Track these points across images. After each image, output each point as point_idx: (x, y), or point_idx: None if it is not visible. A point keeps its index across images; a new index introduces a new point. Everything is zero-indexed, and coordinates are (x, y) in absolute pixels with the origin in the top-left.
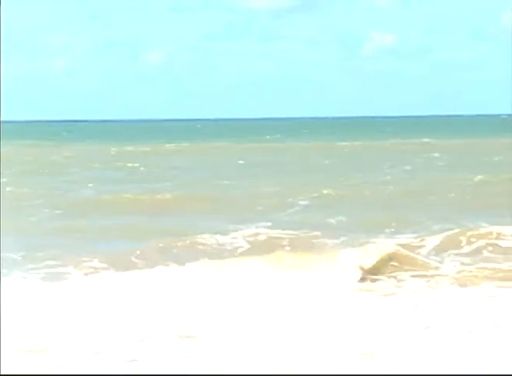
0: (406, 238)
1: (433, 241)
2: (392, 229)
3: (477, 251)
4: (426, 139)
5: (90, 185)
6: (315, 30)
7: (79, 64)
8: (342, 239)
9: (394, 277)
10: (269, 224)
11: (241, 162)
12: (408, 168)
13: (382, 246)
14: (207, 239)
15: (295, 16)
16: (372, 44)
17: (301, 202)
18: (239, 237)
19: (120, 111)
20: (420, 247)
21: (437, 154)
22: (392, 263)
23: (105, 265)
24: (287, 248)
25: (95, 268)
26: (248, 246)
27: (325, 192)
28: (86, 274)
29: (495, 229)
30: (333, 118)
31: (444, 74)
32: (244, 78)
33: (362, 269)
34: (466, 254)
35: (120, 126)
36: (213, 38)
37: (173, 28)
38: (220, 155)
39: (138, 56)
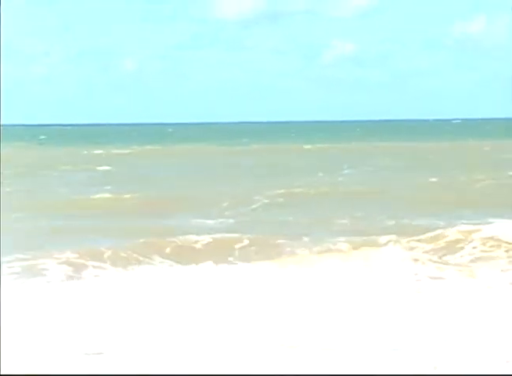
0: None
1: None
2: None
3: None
4: (382, 143)
5: (59, 187)
6: (278, 40)
7: (56, 72)
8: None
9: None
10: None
11: (213, 164)
12: (368, 168)
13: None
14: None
15: (260, 26)
16: (333, 52)
17: (264, 200)
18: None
19: (94, 116)
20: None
21: (389, 158)
22: None
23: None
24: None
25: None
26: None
27: (294, 190)
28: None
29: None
30: (297, 122)
31: (402, 81)
32: (212, 85)
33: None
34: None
35: (94, 130)
36: (182, 48)
37: (144, 38)
38: (189, 157)
39: (111, 65)
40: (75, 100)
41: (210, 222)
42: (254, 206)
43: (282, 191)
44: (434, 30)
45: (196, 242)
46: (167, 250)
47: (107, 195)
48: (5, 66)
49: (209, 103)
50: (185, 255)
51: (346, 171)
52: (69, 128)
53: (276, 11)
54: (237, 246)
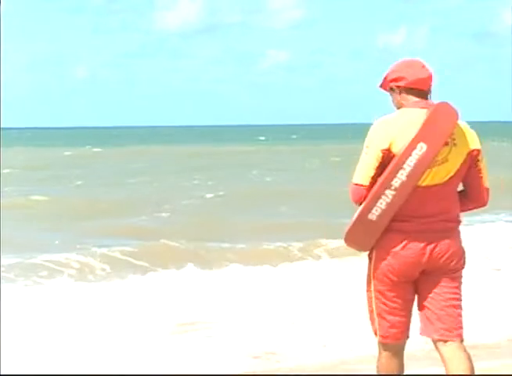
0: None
1: None
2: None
3: None
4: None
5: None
6: (217, 49)
7: (13, 78)
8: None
9: None
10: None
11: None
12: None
13: None
14: None
15: (199, 37)
16: (268, 61)
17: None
18: None
19: (51, 119)
20: None
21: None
22: None
23: None
24: None
25: None
26: None
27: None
28: None
29: None
30: (235, 126)
31: (330, 87)
32: (157, 90)
33: None
34: None
35: (48, 133)
36: (130, 56)
37: (95, 47)
38: (132, 159)
39: (65, 72)
40: (31, 105)
41: None
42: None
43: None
44: (360, 42)
45: None
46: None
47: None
48: None
49: (153, 106)
50: None
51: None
52: (26, 131)
53: (214, 23)
54: None
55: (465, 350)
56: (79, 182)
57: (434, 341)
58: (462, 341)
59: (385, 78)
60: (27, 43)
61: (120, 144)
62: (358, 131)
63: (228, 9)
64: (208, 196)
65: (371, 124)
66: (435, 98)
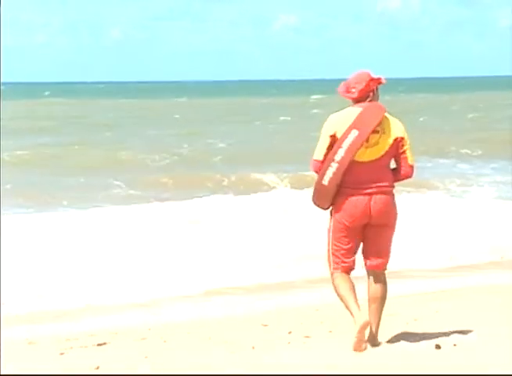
0: None
1: None
2: None
3: None
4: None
5: None
6: (235, 13)
7: (54, 39)
8: None
9: None
10: None
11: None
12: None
13: None
14: None
15: (220, 2)
16: (279, 23)
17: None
18: None
19: (87, 75)
20: None
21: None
22: None
23: None
24: None
25: None
26: None
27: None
28: None
29: None
30: (251, 81)
31: (334, 48)
32: (182, 51)
33: None
34: None
35: (85, 86)
36: (158, 19)
37: (127, 11)
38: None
39: (101, 33)
40: (71, 63)
41: None
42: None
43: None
44: (361, 6)
45: None
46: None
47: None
48: (10, 35)
49: (179, 64)
50: None
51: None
52: (67, 85)
53: None
54: None
55: (384, 280)
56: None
57: (367, 270)
58: (384, 270)
59: (346, 88)
60: (67, 7)
61: (154, 97)
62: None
63: None
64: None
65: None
66: (429, 52)
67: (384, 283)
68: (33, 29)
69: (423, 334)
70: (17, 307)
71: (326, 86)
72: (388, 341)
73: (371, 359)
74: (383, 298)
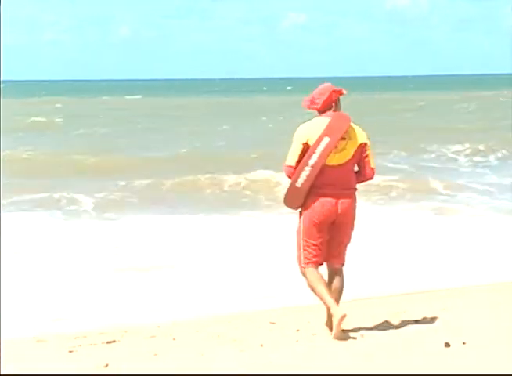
0: None
1: None
2: None
3: None
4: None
5: None
6: (243, 11)
7: (63, 37)
8: None
9: None
10: None
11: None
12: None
13: None
14: None
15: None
16: (288, 22)
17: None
18: None
19: (96, 73)
20: None
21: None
22: None
23: None
24: None
25: None
26: None
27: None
28: None
29: None
30: (255, 79)
31: (342, 46)
32: (188, 48)
33: None
34: None
35: (93, 84)
36: (167, 17)
37: (136, 9)
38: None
39: (110, 31)
40: (80, 61)
41: None
42: None
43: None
44: (370, 4)
45: None
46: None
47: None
48: (19, 32)
49: (186, 62)
50: None
51: None
52: (76, 83)
53: None
54: None
55: (342, 272)
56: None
57: (327, 264)
58: (343, 265)
59: (310, 101)
60: (75, 5)
61: (161, 94)
62: (364, 85)
63: None
64: None
65: (376, 77)
66: (438, 50)
67: (342, 276)
68: (41, 27)
69: (432, 331)
70: (26, 306)
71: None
72: (396, 340)
73: (379, 358)
74: (341, 289)
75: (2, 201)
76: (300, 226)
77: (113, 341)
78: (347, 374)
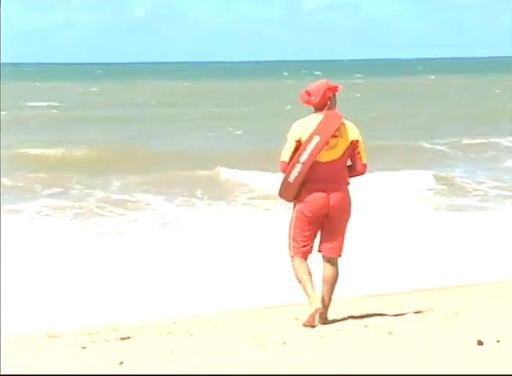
0: None
1: None
2: None
3: None
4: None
5: None
6: None
7: (76, 17)
8: None
9: None
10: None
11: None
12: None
13: None
14: None
15: None
16: (312, 1)
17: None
18: None
19: (110, 55)
20: None
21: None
22: None
23: None
24: None
25: None
26: None
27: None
28: None
29: None
30: (276, 61)
31: (369, 26)
32: (209, 30)
33: None
34: None
35: (106, 67)
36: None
37: None
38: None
39: (125, 11)
40: (93, 42)
41: None
42: None
43: None
44: None
45: None
46: None
47: None
48: (31, 11)
49: (204, 43)
50: None
51: None
52: (87, 65)
53: None
54: None
55: (336, 264)
56: None
57: (322, 256)
58: (338, 257)
59: (307, 96)
60: None
61: (181, 77)
62: (387, 66)
63: None
64: None
65: (396, 59)
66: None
67: (336, 267)
68: (53, 7)
69: (464, 328)
70: (39, 300)
71: (365, 67)
72: (427, 337)
73: (408, 356)
74: (335, 280)
75: None
76: (292, 217)
77: (128, 338)
78: (374, 374)
